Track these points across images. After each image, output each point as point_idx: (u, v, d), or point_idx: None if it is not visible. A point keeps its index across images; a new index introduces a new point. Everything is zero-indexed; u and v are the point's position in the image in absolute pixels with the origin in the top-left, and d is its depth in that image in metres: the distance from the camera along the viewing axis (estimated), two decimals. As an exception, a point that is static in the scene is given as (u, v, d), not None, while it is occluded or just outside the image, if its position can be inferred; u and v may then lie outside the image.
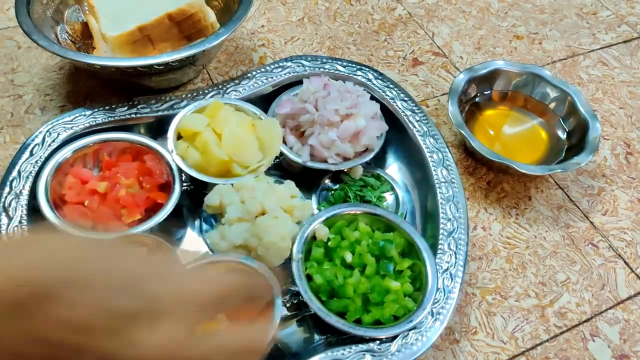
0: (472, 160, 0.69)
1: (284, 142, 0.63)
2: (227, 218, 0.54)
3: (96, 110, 0.63)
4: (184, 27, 0.68)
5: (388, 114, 0.67)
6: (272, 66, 0.70)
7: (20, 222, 0.54)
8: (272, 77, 0.69)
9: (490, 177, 0.68)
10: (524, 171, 0.62)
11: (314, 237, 0.55)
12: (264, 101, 0.67)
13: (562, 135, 0.71)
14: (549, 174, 0.67)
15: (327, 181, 0.64)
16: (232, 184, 0.57)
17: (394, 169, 0.66)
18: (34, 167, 0.58)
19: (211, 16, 0.70)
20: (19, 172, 0.58)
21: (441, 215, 0.58)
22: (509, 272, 0.60)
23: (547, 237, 0.63)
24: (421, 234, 0.56)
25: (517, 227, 0.64)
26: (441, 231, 0.57)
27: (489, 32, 0.87)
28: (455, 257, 0.55)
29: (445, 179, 0.61)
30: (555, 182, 0.68)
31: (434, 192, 0.60)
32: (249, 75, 0.69)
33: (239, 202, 0.55)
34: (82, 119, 0.63)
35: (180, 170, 0.59)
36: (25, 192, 0.56)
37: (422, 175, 0.63)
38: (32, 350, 0.25)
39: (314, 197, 0.62)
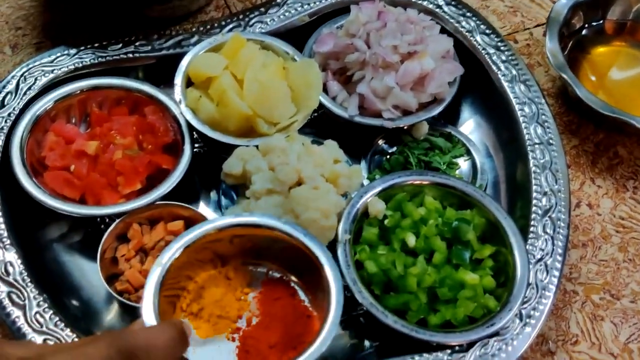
0: (576, 115, 0.68)
1: (325, 90, 0.63)
2: (252, 190, 0.55)
3: (82, 48, 0.64)
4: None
5: (464, 51, 0.66)
6: (308, -11, 0.70)
7: (-10, 192, 0.57)
8: (308, 4, 0.69)
9: (600, 137, 0.67)
10: (648, 130, 0.61)
11: (365, 214, 0.55)
12: (299, 36, 0.67)
13: (701, 83, 0.69)
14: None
15: (380, 142, 0.64)
16: (256, 146, 0.57)
17: (470, 126, 0.66)
18: (6, 121, 0.60)
19: None
20: (-12, 128, 0.60)
21: (534, 187, 0.58)
22: (622, 264, 0.59)
23: (676, 218, 0.62)
24: (507, 212, 0.56)
25: (635, 205, 0.63)
26: (534, 209, 0.57)
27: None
28: (553, 244, 0.55)
29: (541, 140, 0.61)
30: (688, 145, 0.67)
31: (525, 157, 0.60)
32: (278, 1, 0.69)
33: (267, 170, 0.55)
34: (65, 59, 0.64)
35: (190, 127, 0.60)
36: (-3, 152, 0.58)
37: (509, 134, 0.63)
38: None
39: (363, 163, 0.63)
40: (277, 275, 0.54)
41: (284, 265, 0.53)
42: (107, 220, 0.57)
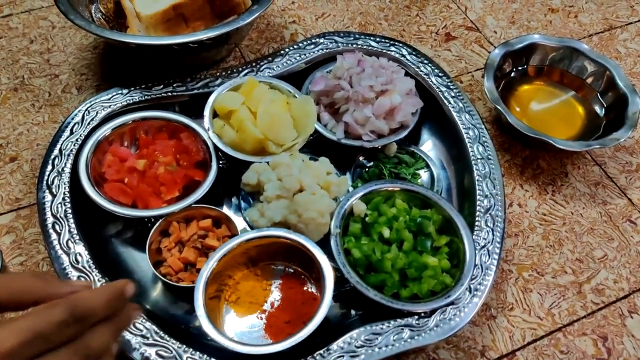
0: (508, 137, 0.68)
1: (318, 119, 0.63)
2: (265, 196, 0.54)
3: (132, 89, 0.64)
4: (217, 5, 0.68)
5: (422, 90, 0.66)
6: (305, 43, 0.70)
7: (63, 199, 0.56)
8: (305, 54, 0.69)
9: (526, 153, 0.67)
10: (561, 147, 0.61)
11: (351, 213, 0.55)
12: (298, 78, 0.67)
13: (600, 111, 0.69)
14: (586, 150, 0.66)
15: (361, 158, 0.64)
16: (267, 162, 0.57)
17: (428, 145, 0.66)
18: (74, 145, 0.59)
19: (243, -7, 0.69)
20: (60, 150, 0.59)
21: (477, 192, 0.58)
22: (545, 249, 0.59)
23: (584, 214, 0.62)
24: (458, 210, 0.56)
25: (554, 204, 0.63)
26: (478, 208, 0.57)
27: (523, 5, 0.85)
28: (493, 234, 0.55)
29: (482, 156, 0.61)
30: (592, 158, 0.67)
31: (470, 169, 0.60)
32: (281, 52, 0.69)
33: (276, 180, 0.55)
34: (119, 97, 0.63)
35: (216, 148, 0.59)
36: (67, 169, 0.58)
37: (458, 152, 0.63)
38: None
39: (348, 174, 0.62)
40: (291, 270, 0.54)
41: (295, 263, 0.54)
42: (152, 219, 0.56)
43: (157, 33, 0.66)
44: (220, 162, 0.61)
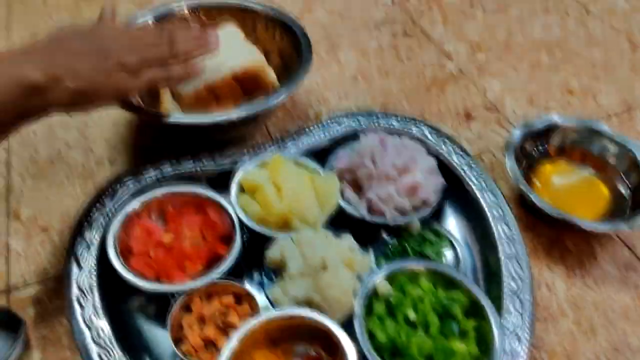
0: (532, 216, 0.67)
1: (342, 195, 0.63)
2: (288, 273, 0.54)
3: (163, 163, 0.65)
4: (246, 85, 0.71)
5: (444, 168, 0.66)
6: (329, 122, 0.72)
7: (89, 271, 0.56)
8: (329, 132, 0.70)
9: (552, 233, 0.66)
10: (588, 228, 0.60)
11: (375, 293, 0.54)
12: (322, 155, 0.68)
13: (625, 191, 0.68)
14: (614, 231, 0.64)
15: (384, 235, 0.63)
16: (291, 238, 0.57)
17: (452, 224, 0.65)
18: (104, 217, 0.60)
19: (272, 75, 0.72)
20: (90, 223, 0.60)
21: (504, 273, 0.56)
22: (577, 335, 0.56)
23: (616, 298, 0.59)
24: (485, 292, 0.54)
25: (583, 287, 0.61)
26: (505, 290, 0.55)
27: (541, 86, 0.86)
28: (522, 318, 0.53)
29: (507, 236, 0.60)
30: (620, 240, 0.65)
31: (495, 249, 0.59)
32: (307, 130, 0.70)
33: (299, 256, 0.54)
34: (150, 171, 0.65)
35: (241, 222, 0.59)
36: (96, 242, 0.58)
37: (482, 231, 0.62)
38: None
39: (371, 251, 0.61)
40: (314, 353, 0.52)
41: (318, 345, 0.52)
42: (175, 295, 0.55)
43: (189, 111, 0.69)
44: (245, 236, 0.60)
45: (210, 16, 0.79)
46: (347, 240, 0.57)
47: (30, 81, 0.45)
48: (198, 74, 0.60)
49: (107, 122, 0.78)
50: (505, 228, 0.60)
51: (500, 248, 0.58)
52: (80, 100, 0.50)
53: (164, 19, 0.77)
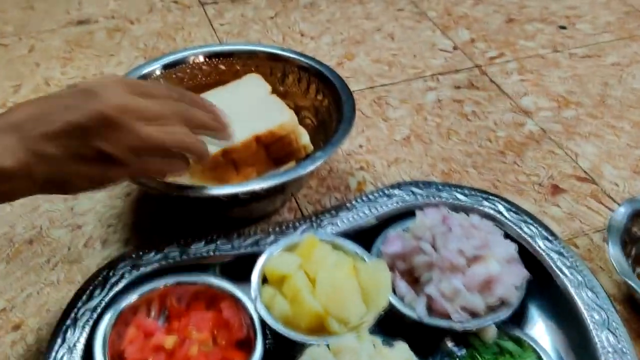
0: (646, 322, 0.66)
1: (393, 290, 0.63)
2: (324, 393, 0.53)
3: (167, 246, 0.68)
4: (273, 150, 0.74)
5: (527, 256, 0.66)
6: (376, 194, 0.73)
7: (70, 382, 0.57)
8: (375, 208, 0.72)
9: (675, 345, 0.64)
10: None
11: (438, 422, 0.53)
12: (367, 237, 0.69)
13: None
14: None
15: (449, 344, 0.62)
16: (327, 345, 0.57)
17: (539, 330, 0.64)
18: (91, 314, 0.61)
19: (304, 137, 0.75)
20: (74, 320, 0.61)
21: (613, 398, 0.55)
22: None
23: None
24: None
25: None
26: (616, 421, 0.53)
27: (649, 151, 0.87)
28: None
29: (613, 348, 0.58)
30: None
31: (599, 365, 0.57)
32: (347, 205, 0.72)
33: (338, 370, 0.54)
34: (151, 256, 0.67)
35: (263, 323, 0.60)
36: (80, 344, 0.59)
37: (580, 341, 0.61)
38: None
39: (432, 365, 0.61)
40: None
41: None
42: (178, 417, 0.55)
43: (203, 181, 0.72)
44: (267, 341, 0.61)
45: (230, 65, 0.85)
46: (402, 350, 0.57)
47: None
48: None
49: (100, 193, 0.82)
50: (610, 337, 0.59)
51: (606, 364, 0.57)
52: (52, 189, 0.54)
53: (175, 67, 0.83)
